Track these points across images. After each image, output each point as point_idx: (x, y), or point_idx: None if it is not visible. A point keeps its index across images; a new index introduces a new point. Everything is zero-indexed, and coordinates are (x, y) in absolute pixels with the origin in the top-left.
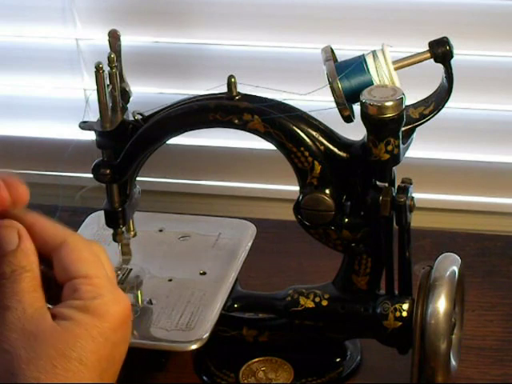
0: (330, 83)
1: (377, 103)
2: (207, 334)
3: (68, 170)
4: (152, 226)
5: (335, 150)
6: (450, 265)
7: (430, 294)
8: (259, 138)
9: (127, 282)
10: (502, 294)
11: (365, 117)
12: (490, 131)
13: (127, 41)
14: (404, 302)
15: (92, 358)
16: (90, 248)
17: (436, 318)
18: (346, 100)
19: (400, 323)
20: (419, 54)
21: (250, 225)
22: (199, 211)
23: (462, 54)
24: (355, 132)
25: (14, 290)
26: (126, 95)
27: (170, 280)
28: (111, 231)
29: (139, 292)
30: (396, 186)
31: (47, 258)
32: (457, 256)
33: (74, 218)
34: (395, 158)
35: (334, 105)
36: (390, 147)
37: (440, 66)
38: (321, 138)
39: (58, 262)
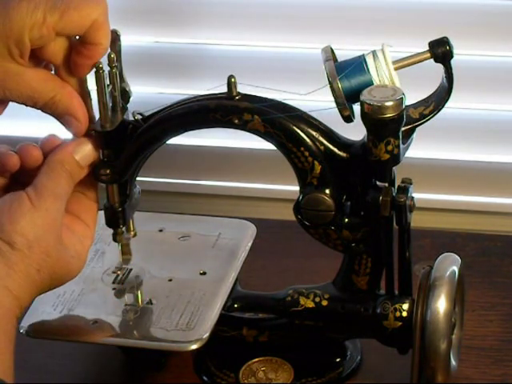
0: (330, 83)
1: (377, 103)
2: (207, 334)
3: None
4: (152, 226)
5: (335, 149)
6: (449, 265)
7: (430, 294)
8: (259, 138)
9: (127, 282)
10: (502, 294)
11: (365, 117)
12: (490, 131)
13: (127, 41)
14: (404, 302)
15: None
16: None
17: (436, 317)
18: (346, 100)
19: (400, 323)
20: (419, 53)
21: (250, 225)
22: (199, 211)
23: (462, 54)
24: (355, 132)
25: None
26: (125, 95)
27: (170, 280)
28: (111, 231)
29: (139, 292)
30: (396, 186)
31: None
32: (457, 256)
33: None
34: (395, 158)
35: (334, 105)
36: (390, 147)
37: (440, 66)
38: (321, 138)
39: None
